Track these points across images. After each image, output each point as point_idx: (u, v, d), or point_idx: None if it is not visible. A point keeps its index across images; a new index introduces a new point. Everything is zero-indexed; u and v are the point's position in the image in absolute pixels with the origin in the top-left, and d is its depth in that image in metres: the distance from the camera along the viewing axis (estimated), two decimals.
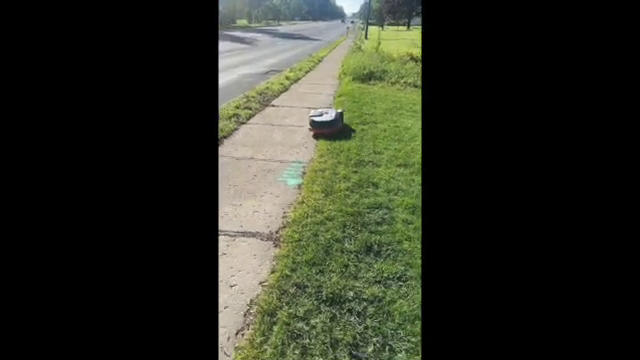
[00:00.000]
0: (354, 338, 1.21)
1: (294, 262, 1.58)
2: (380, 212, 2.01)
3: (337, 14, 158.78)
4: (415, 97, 5.08)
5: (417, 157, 2.79)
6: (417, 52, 8.66)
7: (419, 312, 1.31)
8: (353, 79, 6.34)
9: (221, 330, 1.27)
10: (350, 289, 1.43)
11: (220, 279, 1.52)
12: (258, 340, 1.20)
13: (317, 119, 3.42)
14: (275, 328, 1.25)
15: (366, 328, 1.26)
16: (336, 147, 3.02)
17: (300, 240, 1.75)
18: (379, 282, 1.47)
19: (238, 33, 23.98)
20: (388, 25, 39.23)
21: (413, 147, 3.03)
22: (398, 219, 1.94)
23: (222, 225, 1.93)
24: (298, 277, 1.49)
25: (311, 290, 1.42)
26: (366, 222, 1.91)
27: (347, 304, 1.36)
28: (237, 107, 4.29)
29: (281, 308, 1.33)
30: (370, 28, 24.90)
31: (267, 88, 5.53)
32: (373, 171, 2.56)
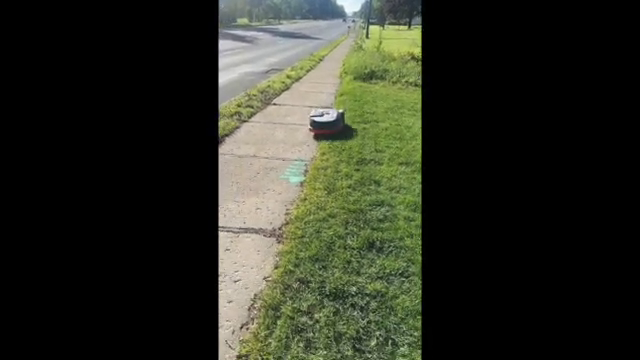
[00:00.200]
0: (357, 332, 1.23)
1: (297, 258, 1.60)
2: (382, 209, 2.03)
3: (338, 13, 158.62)
4: (416, 96, 5.09)
5: (418, 156, 2.81)
6: (418, 51, 8.67)
7: (421, 307, 1.33)
8: (354, 78, 6.35)
9: (226, 324, 1.29)
10: (353, 284, 1.44)
11: (224, 274, 1.53)
12: (262, 334, 1.22)
13: (318, 119, 3.34)
14: (279, 322, 1.26)
15: (369, 322, 1.27)
16: (338, 145, 3.04)
17: (303, 236, 1.76)
18: (381, 278, 1.49)
19: (239, 32, 23.98)
20: (389, 24, 39.20)
21: (414, 146, 3.04)
22: (400, 216, 1.95)
23: (225, 222, 1.94)
24: (301, 272, 1.50)
25: (314, 285, 1.44)
26: (368, 219, 1.93)
27: (350, 299, 1.37)
28: (239, 105, 4.30)
29: (285, 303, 1.35)
30: (371, 27, 24.89)
31: (268, 87, 5.54)
32: (375, 169, 2.57)
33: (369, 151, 2.92)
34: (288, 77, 6.43)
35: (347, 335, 1.22)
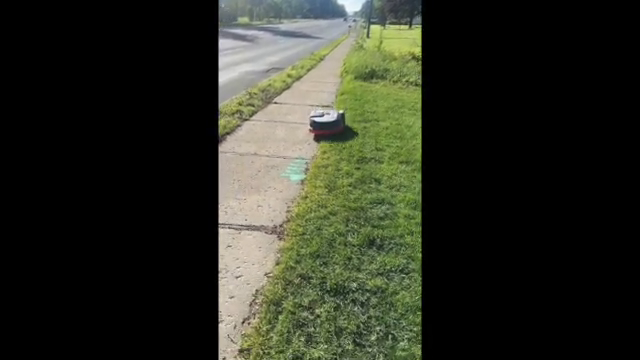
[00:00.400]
0: (358, 327, 1.24)
1: (298, 254, 1.61)
2: (382, 207, 2.04)
3: (339, 12, 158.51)
4: (417, 96, 5.10)
5: (419, 154, 2.82)
6: (419, 51, 8.68)
7: (421, 303, 1.35)
8: (355, 77, 6.36)
9: (228, 319, 1.30)
10: (353, 280, 1.46)
11: (226, 270, 1.55)
12: (264, 328, 1.24)
13: (318, 120, 3.28)
14: (281, 317, 1.28)
15: (369, 318, 1.29)
16: (339, 144, 3.05)
17: (304, 234, 1.78)
18: (382, 274, 1.51)
19: (240, 31, 23.97)
20: (390, 24, 39.17)
21: (415, 145, 3.06)
22: (400, 214, 1.97)
23: (227, 219, 1.96)
24: (302, 269, 1.52)
25: (315, 281, 1.45)
26: (369, 217, 1.94)
27: (351, 295, 1.39)
28: (240, 104, 4.31)
29: (286, 298, 1.36)
30: (372, 27, 24.88)
31: (269, 85, 5.56)
32: (375, 168, 2.59)
33: (370, 150, 2.93)
34: (289, 76, 6.44)
35: (348, 330, 1.23)
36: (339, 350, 1.16)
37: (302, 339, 1.19)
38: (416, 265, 1.56)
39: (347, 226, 1.85)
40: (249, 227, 1.89)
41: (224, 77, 6.72)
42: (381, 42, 10.82)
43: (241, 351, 1.17)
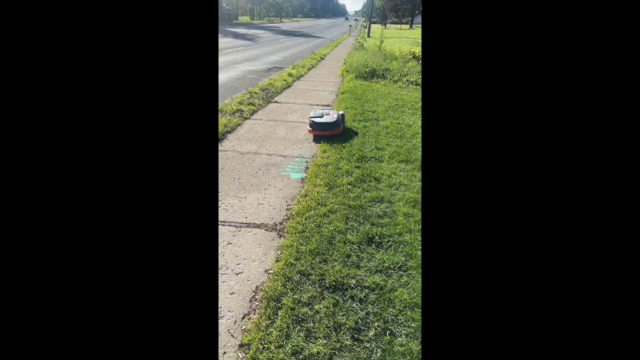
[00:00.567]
0: (356, 323, 1.26)
1: (298, 252, 1.63)
2: (382, 206, 2.06)
3: (339, 12, 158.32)
4: (417, 95, 5.11)
5: (419, 153, 2.84)
6: (419, 50, 8.68)
7: (419, 300, 1.36)
8: (355, 77, 6.37)
9: (228, 314, 1.32)
10: (352, 277, 1.48)
11: (226, 267, 1.57)
12: (264, 324, 1.25)
13: (317, 120, 3.23)
14: (280, 313, 1.30)
15: (368, 314, 1.31)
16: (339, 143, 3.07)
17: (304, 231, 1.80)
18: (380, 271, 1.52)
19: (241, 30, 23.97)
20: (391, 23, 39.13)
21: (415, 144, 3.07)
22: (399, 212, 1.98)
23: (227, 216, 1.98)
24: (302, 265, 1.54)
25: (315, 278, 1.47)
26: (368, 215, 1.96)
27: (349, 291, 1.41)
28: (240, 103, 4.33)
29: (286, 294, 1.38)
30: (373, 26, 24.85)
31: (270, 85, 5.57)
32: (375, 166, 2.60)
33: (370, 149, 2.95)
34: (290, 75, 6.45)
35: (346, 326, 1.25)
36: (337, 345, 1.18)
37: (301, 334, 1.21)
38: (414, 263, 1.57)
39: (346, 224, 1.87)
40: (249, 225, 1.91)
41: (225, 76, 6.74)
42: (382, 41, 10.82)
43: (241, 346, 1.19)
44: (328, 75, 7.12)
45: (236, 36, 18.00)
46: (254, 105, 4.34)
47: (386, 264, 1.56)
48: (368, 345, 1.19)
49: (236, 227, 1.88)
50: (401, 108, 4.36)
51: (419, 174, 2.48)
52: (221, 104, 4.31)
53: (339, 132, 3.27)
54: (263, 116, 4.05)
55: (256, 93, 4.95)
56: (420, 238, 1.74)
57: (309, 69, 7.67)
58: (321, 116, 3.31)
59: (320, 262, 1.57)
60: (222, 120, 3.58)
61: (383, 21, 37.86)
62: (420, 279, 1.47)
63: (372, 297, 1.38)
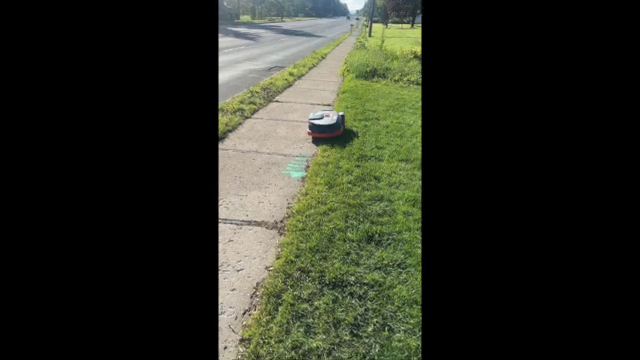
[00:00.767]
0: (355, 319, 1.28)
1: (298, 249, 1.65)
2: (382, 204, 2.08)
3: (341, 11, 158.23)
4: (418, 94, 5.12)
5: (419, 153, 2.85)
6: (420, 50, 8.68)
7: (417, 297, 1.38)
8: (356, 76, 6.39)
9: (229, 310, 1.34)
10: (352, 274, 1.49)
11: (227, 264, 1.59)
12: (264, 319, 1.27)
13: (317, 122, 3.16)
14: (280, 309, 1.32)
15: (366, 310, 1.32)
16: (339, 142, 3.08)
17: (304, 229, 1.82)
18: (379, 269, 1.54)
19: (242, 29, 23.98)
20: (392, 23, 39.08)
21: (415, 143, 3.08)
22: (399, 211, 2.00)
23: (228, 214, 2.00)
24: (302, 263, 1.56)
25: (314, 275, 1.49)
26: (368, 213, 1.98)
27: (349, 288, 1.42)
28: (241, 102, 4.35)
29: (286, 291, 1.40)
30: (374, 26, 24.84)
31: (271, 84, 5.59)
32: (375, 165, 2.62)
33: (370, 148, 2.96)
34: (290, 75, 6.47)
35: (345, 321, 1.27)
36: (337, 340, 1.20)
37: (301, 330, 1.23)
38: (413, 260, 1.59)
39: (346, 222, 1.88)
40: (250, 222, 1.93)
41: (226, 75, 6.76)
42: (383, 41, 10.81)
43: (242, 340, 1.21)
44: (329, 74, 7.13)
45: (237, 35, 18.02)
46: (255, 104, 4.36)
47: (385, 261, 1.58)
48: (367, 340, 1.21)
49: (237, 225, 1.90)
50: (402, 107, 4.37)
51: (419, 173, 2.50)
52: (222, 103, 4.33)
53: (339, 134, 3.21)
54: (264, 115, 4.07)
55: (257, 92, 4.97)
56: (419, 236, 1.76)
57: (310, 68, 7.69)
58: (321, 118, 3.24)
59: (320, 259, 1.59)
60: (223, 119, 3.60)
61: (384, 20, 37.81)
62: (419, 276, 1.49)
63: (371, 294, 1.40)
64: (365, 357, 1.15)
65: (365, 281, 1.46)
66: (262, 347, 1.17)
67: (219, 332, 1.24)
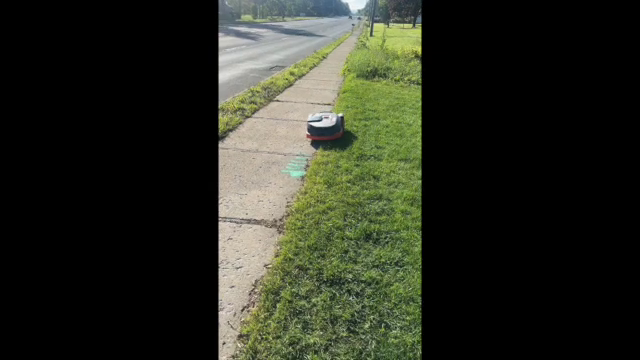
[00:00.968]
0: (352, 315, 1.30)
1: (297, 247, 1.67)
2: (380, 203, 2.09)
3: (342, 10, 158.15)
4: (418, 94, 5.13)
5: (418, 152, 2.86)
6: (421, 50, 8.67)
7: (414, 294, 1.40)
8: (357, 76, 6.40)
9: (228, 307, 1.36)
10: (349, 272, 1.51)
11: (227, 261, 1.61)
12: (262, 316, 1.29)
13: (316, 124, 3.11)
14: (278, 305, 1.33)
15: (363, 307, 1.34)
16: (339, 142, 3.10)
17: (303, 227, 1.83)
18: (377, 266, 1.56)
19: (243, 28, 24.00)
20: (394, 22, 39.05)
21: (414, 142, 3.10)
22: (397, 210, 2.01)
23: (228, 212, 2.02)
24: (300, 260, 1.57)
25: (312, 272, 1.51)
26: (366, 212, 1.99)
27: (346, 285, 1.44)
28: (242, 101, 4.37)
29: (284, 288, 1.42)
30: (375, 25, 24.82)
31: (272, 83, 5.60)
32: (374, 165, 2.63)
33: (369, 147, 2.98)
34: (291, 74, 6.48)
35: (342, 318, 1.28)
36: (333, 337, 1.21)
37: (298, 326, 1.25)
38: (411, 258, 1.61)
39: (345, 221, 1.90)
40: (250, 221, 1.95)
41: (227, 74, 6.78)
42: (384, 41, 10.82)
43: (240, 336, 1.23)
44: (330, 74, 7.14)
45: (239, 35, 18.04)
46: (256, 103, 4.38)
47: (383, 259, 1.59)
48: (363, 337, 1.22)
49: (237, 223, 1.92)
50: (402, 107, 4.38)
51: (418, 172, 2.51)
52: (223, 102, 4.35)
53: (338, 137, 3.15)
54: (264, 114, 4.09)
55: (258, 92, 4.98)
56: (417, 235, 1.78)
57: (311, 68, 7.70)
58: (319, 119, 3.17)
59: (318, 257, 1.60)
60: (224, 118, 3.62)
61: (386, 20, 37.77)
62: (416, 274, 1.51)
63: (368, 291, 1.42)
64: (361, 353, 1.16)
65: (362, 279, 1.48)
66: (260, 343, 1.19)
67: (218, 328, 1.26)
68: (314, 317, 1.29)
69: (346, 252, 1.65)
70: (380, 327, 1.26)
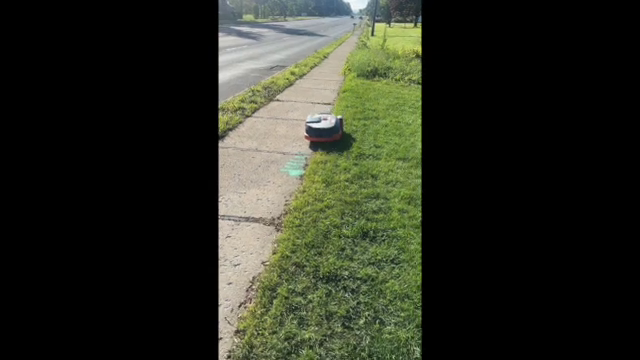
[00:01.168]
0: (347, 312, 1.31)
1: (294, 245, 1.68)
2: (377, 202, 2.11)
3: (344, 10, 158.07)
4: (418, 94, 5.13)
5: (416, 151, 2.88)
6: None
7: (409, 291, 1.41)
8: (358, 75, 6.41)
9: (225, 303, 1.38)
10: (345, 269, 1.53)
11: (225, 259, 1.63)
12: (259, 312, 1.31)
13: (314, 126, 3.05)
14: (275, 302, 1.35)
15: (359, 303, 1.36)
16: (338, 142, 3.11)
17: (300, 225, 1.85)
18: (373, 264, 1.57)
19: (245, 28, 24.03)
20: (395, 22, 38.98)
21: (413, 142, 3.11)
22: (394, 208, 2.03)
23: (227, 211, 2.04)
24: (297, 258, 1.59)
25: (309, 269, 1.52)
26: (364, 210, 2.01)
27: (342, 282, 1.46)
28: (242, 101, 4.39)
29: (281, 284, 1.44)
30: (377, 25, 24.80)
31: (272, 83, 5.62)
32: (373, 164, 2.65)
33: (368, 146, 2.99)
34: (292, 74, 6.50)
35: (338, 314, 1.30)
36: (329, 332, 1.23)
37: (294, 322, 1.27)
38: (406, 256, 1.62)
39: (342, 219, 1.92)
40: (248, 219, 1.97)
41: (228, 74, 6.80)
42: (385, 40, 10.82)
43: (237, 332, 1.25)
44: (330, 74, 7.15)
45: (240, 34, 18.07)
46: (256, 103, 4.40)
47: (379, 257, 1.61)
48: (358, 332, 1.24)
49: (235, 221, 1.94)
50: (401, 107, 4.39)
51: (415, 171, 2.53)
52: (223, 102, 4.37)
53: (337, 138, 3.10)
54: (264, 114, 4.11)
55: (258, 91, 5.01)
56: (413, 233, 1.79)
57: (311, 67, 7.72)
58: (318, 121, 3.12)
59: (315, 255, 1.62)
60: (224, 118, 3.64)
61: (387, 19, 37.72)
62: (411, 271, 1.52)
63: (364, 288, 1.43)
64: (355, 348, 1.18)
65: (358, 276, 1.49)
66: (256, 338, 1.21)
67: None
68: (310, 313, 1.31)
69: (343, 250, 1.66)
70: (375, 323, 1.28)
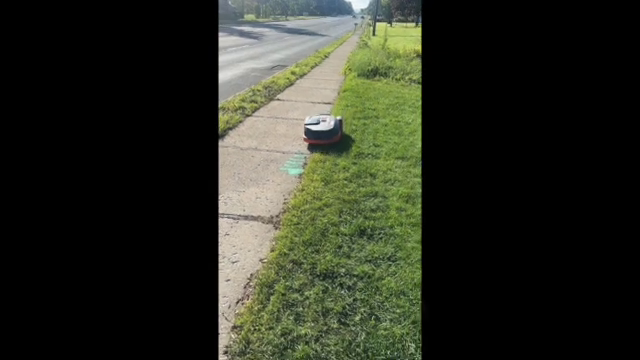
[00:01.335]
0: (344, 308, 1.33)
1: (292, 242, 1.70)
2: (376, 200, 2.12)
3: (345, 10, 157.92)
4: (418, 93, 5.14)
5: (415, 150, 2.89)
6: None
7: (405, 288, 1.42)
8: (358, 75, 6.42)
9: (223, 299, 1.40)
10: (342, 266, 1.54)
11: (223, 256, 1.64)
12: (256, 308, 1.33)
13: (313, 128, 2.99)
14: (272, 298, 1.37)
15: (355, 300, 1.37)
16: (337, 143, 3.13)
17: (299, 223, 1.87)
18: (370, 261, 1.59)
19: (246, 28, 24.06)
20: (397, 21, 38.94)
21: (412, 141, 3.12)
22: (392, 207, 2.04)
23: (226, 209, 2.05)
24: (295, 255, 1.61)
25: (306, 266, 1.54)
26: (362, 209, 2.02)
27: (339, 279, 1.47)
28: (243, 100, 4.41)
29: (278, 281, 1.45)
30: (378, 24, 24.79)
31: (273, 82, 5.64)
32: (372, 163, 2.66)
33: (367, 146, 3.00)
34: (292, 73, 6.51)
35: (334, 310, 1.32)
36: (325, 328, 1.25)
37: (291, 318, 1.28)
38: (403, 254, 1.64)
39: (340, 217, 1.93)
40: (247, 217, 1.99)
41: (229, 74, 6.82)
42: (385, 40, 10.82)
43: (234, 328, 1.26)
44: (331, 73, 7.17)
45: (241, 34, 18.09)
46: (256, 102, 4.41)
47: (376, 254, 1.62)
48: (353, 328, 1.25)
49: (234, 219, 1.96)
50: (401, 106, 4.40)
51: (414, 170, 2.54)
52: (224, 101, 4.39)
53: (336, 140, 3.04)
54: (265, 113, 4.12)
55: (259, 91, 5.02)
56: (410, 231, 1.80)
57: (312, 67, 7.73)
58: (317, 122, 3.06)
59: (312, 252, 1.64)
60: (224, 117, 3.66)
61: (389, 19, 37.68)
62: (408, 269, 1.53)
63: (360, 285, 1.45)
64: (351, 344, 1.19)
65: (355, 273, 1.51)
66: (253, 334, 1.22)
67: None
68: (306, 309, 1.32)
69: (340, 247, 1.68)
70: (370, 319, 1.29)
